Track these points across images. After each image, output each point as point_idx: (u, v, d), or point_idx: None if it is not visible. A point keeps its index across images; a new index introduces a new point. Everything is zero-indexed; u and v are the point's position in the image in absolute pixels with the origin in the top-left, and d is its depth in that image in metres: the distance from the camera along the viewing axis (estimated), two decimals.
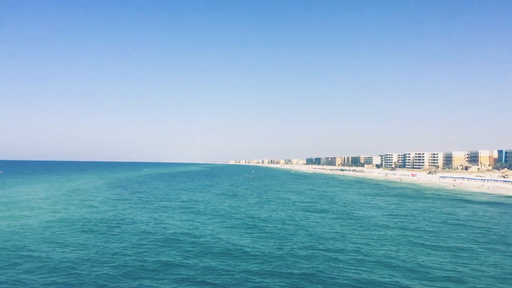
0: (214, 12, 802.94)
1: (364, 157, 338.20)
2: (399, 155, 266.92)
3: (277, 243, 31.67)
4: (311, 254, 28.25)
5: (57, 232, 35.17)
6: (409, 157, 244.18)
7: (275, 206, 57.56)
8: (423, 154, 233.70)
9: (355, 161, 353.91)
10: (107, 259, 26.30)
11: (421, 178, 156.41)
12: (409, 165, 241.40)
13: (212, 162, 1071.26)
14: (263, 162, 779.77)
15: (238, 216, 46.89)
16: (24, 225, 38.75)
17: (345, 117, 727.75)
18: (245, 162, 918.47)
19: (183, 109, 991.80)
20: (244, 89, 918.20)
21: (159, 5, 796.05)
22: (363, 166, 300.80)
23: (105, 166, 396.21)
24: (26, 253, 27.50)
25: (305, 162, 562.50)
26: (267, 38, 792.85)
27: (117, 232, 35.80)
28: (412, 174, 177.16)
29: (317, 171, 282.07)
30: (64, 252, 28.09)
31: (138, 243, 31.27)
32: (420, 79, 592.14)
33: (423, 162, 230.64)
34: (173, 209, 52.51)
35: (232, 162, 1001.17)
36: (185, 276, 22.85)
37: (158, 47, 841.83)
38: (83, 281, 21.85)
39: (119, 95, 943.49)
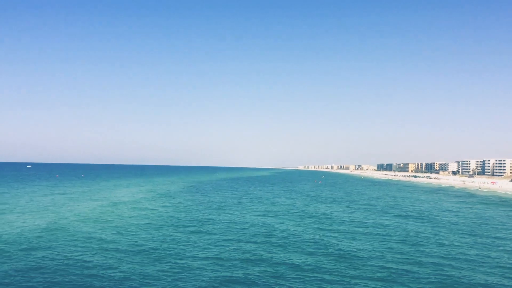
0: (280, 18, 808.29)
1: (439, 164, 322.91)
2: (477, 161, 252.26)
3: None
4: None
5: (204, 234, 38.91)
6: (489, 163, 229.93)
7: (374, 213, 58.35)
8: (504, 160, 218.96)
9: (429, 168, 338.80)
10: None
11: (503, 186, 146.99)
12: (489, 172, 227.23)
13: (280, 167, 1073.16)
14: (332, 167, 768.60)
15: (348, 221, 48.53)
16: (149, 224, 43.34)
17: (418, 122, 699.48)
18: (314, 167, 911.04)
19: (251, 114, 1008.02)
20: (312, 95, 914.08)
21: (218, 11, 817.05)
22: (438, 172, 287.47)
23: (178, 170, 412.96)
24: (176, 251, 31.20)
25: (375, 168, 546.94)
26: (327, 45, 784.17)
27: (246, 232, 38.97)
28: (492, 182, 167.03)
29: (389, 177, 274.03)
30: (206, 254, 31.27)
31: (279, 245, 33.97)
32: (502, 79, 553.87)
33: (505, 169, 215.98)
34: (277, 213, 54.91)
35: (300, 168, 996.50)
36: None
37: (225, 52, 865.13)
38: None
39: (187, 100, 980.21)
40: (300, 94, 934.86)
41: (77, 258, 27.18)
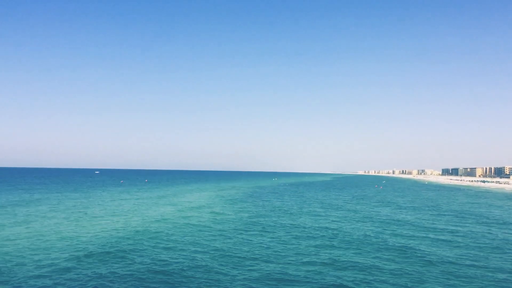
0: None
1: (509, 168, 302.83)
2: None
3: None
4: None
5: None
6: None
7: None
8: None
9: (499, 172, 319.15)
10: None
11: None
12: None
13: (340, 172, 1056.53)
14: (393, 172, 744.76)
15: (431, 228, 46.89)
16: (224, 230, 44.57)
17: (486, 123, 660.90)
18: (375, 172, 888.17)
19: (310, 118, 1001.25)
20: (372, 96, 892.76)
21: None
22: (508, 177, 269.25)
23: (236, 175, 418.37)
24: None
25: (440, 172, 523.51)
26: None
27: (336, 237, 38.83)
28: None
29: (455, 182, 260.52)
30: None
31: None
32: None
33: None
34: (353, 219, 54.30)
35: (360, 172, 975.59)
36: None
37: (280, 55, 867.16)
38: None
39: (245, 104, 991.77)
40: (359, 96, 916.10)
41: (176, 261, 27.60)
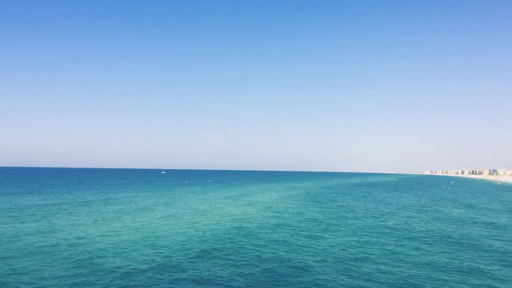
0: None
1: None
2: None
3: None
4: None
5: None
6: None
7: None
8: None
9: None
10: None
11: None
12: None
13: (404, 172, 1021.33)
14: (462, 172, 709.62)
15: None
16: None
17: None
18: (442, 172, 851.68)
19: (371, 116, 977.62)
20: (435, 92, 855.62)
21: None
22: None
23: (297, 176, 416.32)
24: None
25: None
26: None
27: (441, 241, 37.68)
28: None
29: None
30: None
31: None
32: None
33: None
34: (446, 220, 52.51)
35: (427, 172, 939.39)
36: None
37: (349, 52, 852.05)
38: None
39: (304, 103, 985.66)
40: (423, 93, 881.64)
41: (278, 260, 27.37)
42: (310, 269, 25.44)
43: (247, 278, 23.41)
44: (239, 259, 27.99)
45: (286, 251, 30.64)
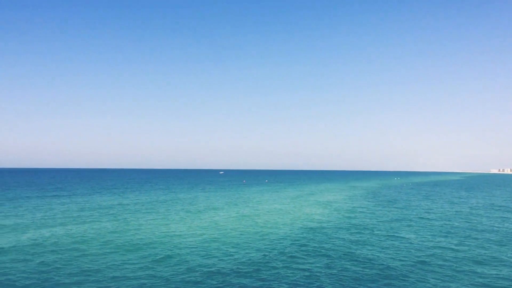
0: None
1: None
2: None
3: None
4: None
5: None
6: None
7: None
8: None
9: None
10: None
11: None
12: None
13: (469, 171, 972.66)
14: None
15: None
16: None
17: None
18: (511, 170, 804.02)
19: (432, 114, 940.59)
20: (503, 89, 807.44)
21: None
22: None
23: (350, 174, 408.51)
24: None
25: None
26: None
27: None
28: None
29: None
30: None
31: None
32: None
33: None
34: None
35: (494, 171, 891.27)
36: None
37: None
38: None
39: (363, 101, 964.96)
40: (487, 89, 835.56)
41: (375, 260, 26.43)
42: (398, 271, 24.30)
43: (335, 279, 22.70)
44: (323, 259, 27.32)
45: (371, 252, 29.61)
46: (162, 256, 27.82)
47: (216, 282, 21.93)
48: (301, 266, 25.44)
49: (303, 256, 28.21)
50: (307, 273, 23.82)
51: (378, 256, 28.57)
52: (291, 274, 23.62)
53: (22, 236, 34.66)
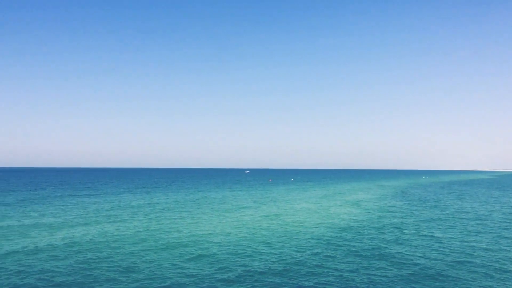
0: None
1: None
2: None
3: None
4: None
5: None
6: None
7: None
8: None
9: None
10: None
11: None
12: None
13: (500, 170, 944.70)
14: None
15: None
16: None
17: None
18: None
19: (459, 110, 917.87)
20: None
21: None
22: None
23: (382, 174, 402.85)
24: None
25: None
26: None
27: None
28: None
29: None
30: None
31: None
32: None
33: None
34: None
35: None
36: None
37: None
38: None
39: (388, 98, 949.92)
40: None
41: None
42: (431, 271, 24.01)
43: (367, 279, 22.65)
44: (355, 259, 27.24)
45: (403, 252, 29.34)
46: (194, 254, 28.33)
47: (248, 281, 22.25)
48: (332, 266, 25.49)
49: (335, 255, 28.23)
50: (339, 273, 23.85)
51: (410, 256, 28.33)
52: (323, 274, 23.71)
53: (58, 234, 35.85)
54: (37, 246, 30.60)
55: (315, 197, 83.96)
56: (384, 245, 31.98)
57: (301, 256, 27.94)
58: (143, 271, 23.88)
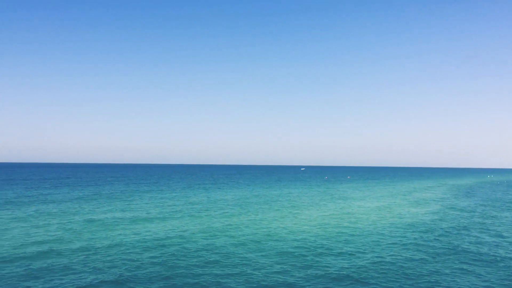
0: None
1: None
2: None
3: None
4: None
5: None
6: None
7: None
8: None
9: None
10: None
11: None
12: None
13: None
14: None
15: None
16: None
17: None
18: None
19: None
20: None
21: None
22: None
23: (439, 172, 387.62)
24: None
25: None
26: None
27: None
28: None
29: None
30: None
31: None
32: None
33: None
34: None
35: None
36: None
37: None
38: None
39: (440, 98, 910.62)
40: None
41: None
42: None
43: (467, 283, 21.84)
44: (449, 261, 26.39)
45: (497, 254, 28.08)
46: (281, 251, 28.71)
47: (345, 281, 22.22)
48: (426, 267, 24.90)
49: (425, 257, 27.54)
50: (436, 277, 23.25)
51: (504, 257, 27.08)
52: (416, 274, 23.21)
53: (143, 228, 37.52)
54: (125, 238, 32.25)
55: (382, 195, 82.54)
56: (476, 247, 30.74)
57: (392, 257, 27.48)
58: (235, 267, 24.47)
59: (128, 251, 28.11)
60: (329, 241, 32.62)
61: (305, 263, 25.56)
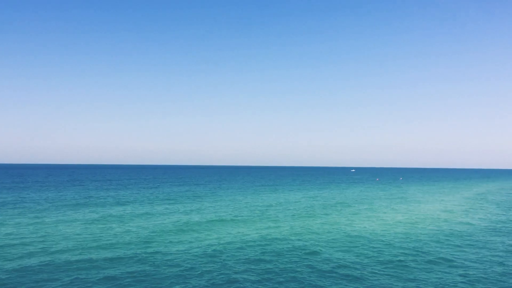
0: None
1: None
2: None
3: None
4: None
5: None
6: None
7: None
8: None
9: None
10: None
11: None
12: None
13: None
14: None
15: None
16: None
17: None
18: None
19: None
20: None
21: None
22: None
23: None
24: None
25: None
26: None
27: None
28: None
29: None
30: None
31: None
32: None
33: None
34: None
35: None
36: None
37: None
38: None
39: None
40: None
41: None
42: None
43: None
44: None
45: None
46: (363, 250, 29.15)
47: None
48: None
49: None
50: None
51: None
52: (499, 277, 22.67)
53: (230, 229, 38.99)
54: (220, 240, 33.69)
55: (463, 197, 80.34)
56: None
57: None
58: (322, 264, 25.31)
59: (237, 252, 29.25)
60: (421, 242, 32.71)
61: (399, 263, 26.11)
